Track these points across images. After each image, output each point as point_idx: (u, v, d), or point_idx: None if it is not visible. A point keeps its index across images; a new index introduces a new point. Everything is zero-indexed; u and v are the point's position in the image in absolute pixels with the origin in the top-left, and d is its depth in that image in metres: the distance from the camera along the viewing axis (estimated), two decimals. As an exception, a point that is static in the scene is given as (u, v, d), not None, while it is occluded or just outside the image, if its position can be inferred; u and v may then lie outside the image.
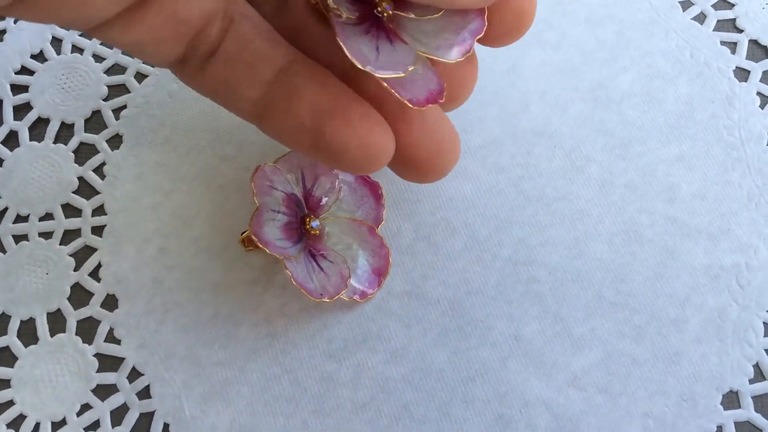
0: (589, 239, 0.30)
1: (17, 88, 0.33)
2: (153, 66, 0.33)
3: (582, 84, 0.32)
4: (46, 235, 0.31)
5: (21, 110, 0.33)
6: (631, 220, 0.30)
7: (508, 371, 0.28)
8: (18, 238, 0.31)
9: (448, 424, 0.27)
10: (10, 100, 0.33)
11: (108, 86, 0.33)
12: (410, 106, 0.21)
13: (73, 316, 0.30)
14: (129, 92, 0.33)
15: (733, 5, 0.33)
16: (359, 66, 0.21)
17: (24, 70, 0.33)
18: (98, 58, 0.33)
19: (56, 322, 0.30)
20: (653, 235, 0.29)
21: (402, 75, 0.21)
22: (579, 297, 0.29)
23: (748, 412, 0.27)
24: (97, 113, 0.33)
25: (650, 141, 0.31)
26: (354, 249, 0.28)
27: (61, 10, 0.19)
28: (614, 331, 0.28)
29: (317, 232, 0.28)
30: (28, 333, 0.30)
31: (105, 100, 0.33)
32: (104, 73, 0.33)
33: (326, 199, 0.28)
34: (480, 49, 0.32)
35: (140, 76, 0.33)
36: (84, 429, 0.28)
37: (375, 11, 0.22)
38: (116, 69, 0.33)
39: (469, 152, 0.31)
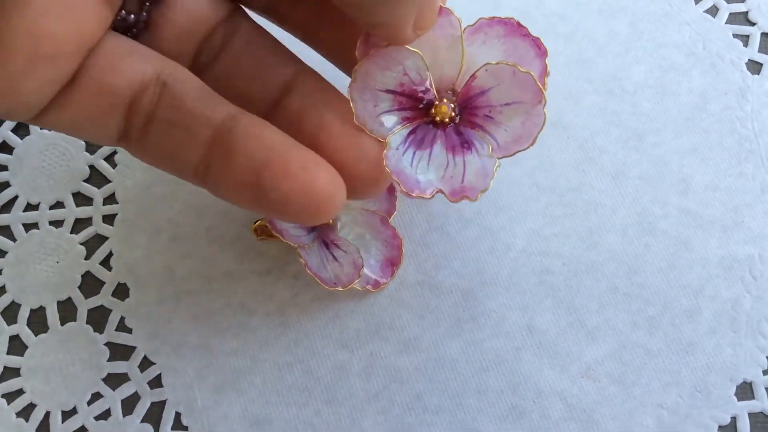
0: (602, 230, 0.30)
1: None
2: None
3: (595, 76, 0.32)
4: (57, 223, 0.31)
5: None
6: (644, 212, 0.30)
7: (521, 362, 0.28)
8: (28, 227, 0.31)
9: (462, 414, 0.27)
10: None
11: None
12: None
13: (84, 305, 0.29)
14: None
15: (745, -2, 0.33)
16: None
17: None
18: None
19: (67, 311, 0.30)
20: (667, 226, 0.29)
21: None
22: (592, 288, 0.29)
23: (762, 403, 0.27)
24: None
25: (664, 132, 0.31)
26: (367, 239, 0.28)
27: None
28: (628, 322, 0.28)
29: (330, 221, 0.28)
30: (38, 322, 0.29)
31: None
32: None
33: None
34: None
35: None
36: (95, 418, 0.28)
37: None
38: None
39: (481, 143, 0.31)
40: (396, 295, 0.29)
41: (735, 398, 0.27)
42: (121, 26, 0.22)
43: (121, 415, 0.28)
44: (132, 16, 0.22)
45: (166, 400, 0.28)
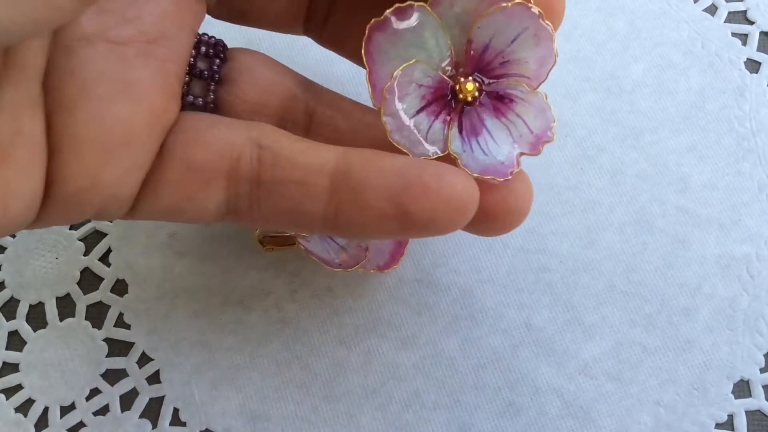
0: (600, 228, 0.30)
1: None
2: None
3: (593, 74, 0.32)
4: (56, 219, 0.31)
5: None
6: (642, 210, 0.30)
7: (519, 359, 0.28)
8: (27, 223, 0.31)
9: (459, 411, 0.27)
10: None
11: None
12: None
13: (82, 301, 0.30)
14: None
15: (744, -3, 0.33)
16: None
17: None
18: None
19: (66, 307, 0.30)
20: (664, 224, 0.30)
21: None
22: (590, 286, 0.29)
23: (758, 401, 0.27)
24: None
25: (662, 131, 0.31)
26: None
27: (85, 209, 0.19)
28: (625, 319, 0.28)
29: None
30: (37, 317, 0.30)
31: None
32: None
33: None
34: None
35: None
36: (93, 413, 0.28)
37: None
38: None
39: (480, 141, 0.31)
40: (394, 292, 0.29)
41: (732, 396, 0.27)
42: (191, 111, 0.22)
43: (119, 410, 0.28)
44: (200, 99, 0.22)
45: (165, 396, 0.28)
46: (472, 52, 0.21)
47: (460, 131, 0.21)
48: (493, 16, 0.21)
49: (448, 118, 0.21)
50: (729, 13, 0.33)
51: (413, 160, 0.20)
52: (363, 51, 0.21)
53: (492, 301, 0.29)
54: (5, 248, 0.30)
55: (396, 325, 0.29)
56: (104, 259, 0.30)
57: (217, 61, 0.23)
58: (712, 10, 0.33)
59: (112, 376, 0.29)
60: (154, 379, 0.28)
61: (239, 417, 0.27)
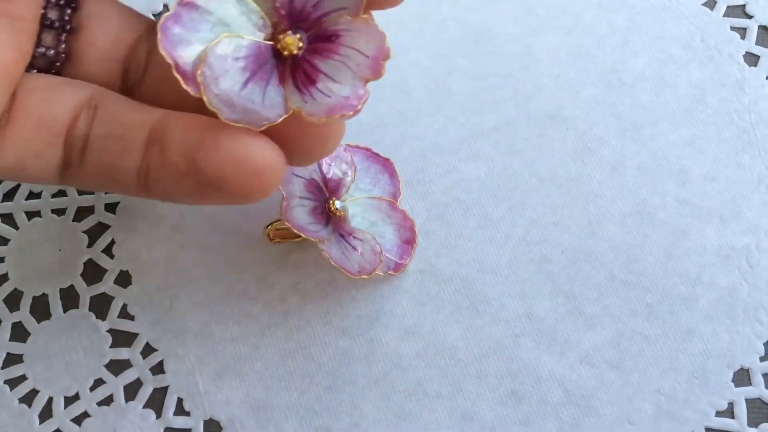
0: (601, 220, 0.30)
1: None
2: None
3: (595, 68, 0.32)
4: (59, 211, 0.31)
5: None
6: (643, 202, 0.30)
7: (520, 348, 0.28)
8: (31, 215, 0.31)
9: (462, 400, 0.27)
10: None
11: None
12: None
13: (86, 292, 0.30)
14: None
15: (742, -8, 0.34)
16: None
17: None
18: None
19: (69, 299, 0.30)
20: (665, 216, 0.30)
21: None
22: (591, 276, 0.29)
23: (758, 389, 0.28)
24: None
25: (662, 124, 0.31)
26: (380, 226, 0.29)
27: None
28: (626, 309, 0.28)
29: (342, 213, 0.28)
30: (41, 309, 0.30)
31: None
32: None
33: (344, 179, 0.29)
34: (493, 32, 0.33)
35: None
36: (97, 404, 0.28)
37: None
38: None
39: (482, 134, 0.31)
40: (396, 283, 0.29)
41: (732, 384, 0.28)
42: (43, 63, 0.22)
43: (123, 400, 0.28)
44: (51, 50, 0.22)
45: (168, 386, 0.28)
46: (280, 7, 0.21)
47: (297, 85, 0.21)
48: None
49: (282, 77, 0.21)
50: (728, 7, 0.33)
51: (218, 122, 0.20)
52: (160, 47, 0.20)
53: (494, 292, 0.29)
54: (9, 240, 0.30)
55: (399, 316, 0.29)
56: (108, 250, 0.30)
57: (69, 10, 0.23)
58: (711, 4, 0.33)
59: (116, 367, 0.29)
60: (158, 369, 0.29)
61: (243, 406, 0.28)
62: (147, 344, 0.29)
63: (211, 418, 0.28)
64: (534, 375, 0.28)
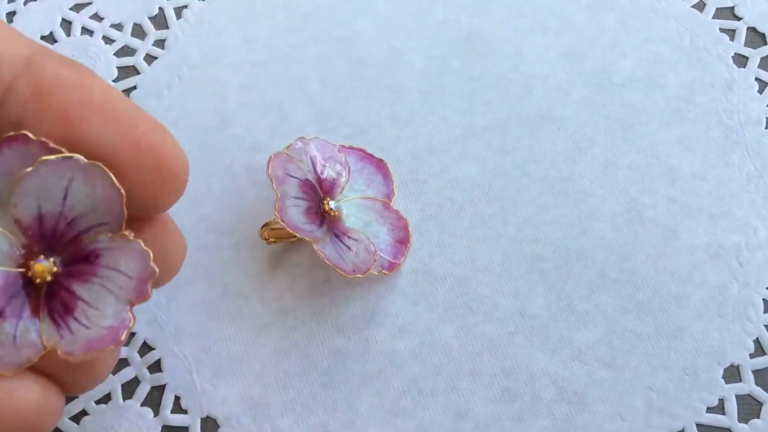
0: (592, 219, 0.30)
1: (27, 69, 0.33)
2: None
3: (584, 69, 0.33)
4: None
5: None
6: (633, 200, 0.30)
7: (513, 346, 0.28)
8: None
9: (456, 397, 0.28)
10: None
11: (118, 68, 0.33)
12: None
13: (83, 293, 0.30)
14: (138, 74, 0.33)
15: (731, -6, 0.34)
16: None
17: (34, 52, 0.34)
18: (108, 40, 0.34)
19: (66, 299, 0.30)
20: (655, 214, 0.30)
21: None
22: (583, 274, 0.29)
23: (749, 385, 0.28)
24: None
25: (652, 124, 0.32)
26: (374, 225, 0.29)
27: None
28: (618, 307, 0.29)
29: (336, 213, 0.28)
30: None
31: (115, 81, 0.33)
32: (114, 54, 0.34)
33: (338, 180, 0.29)
34: (484, 34, 0.33)
35: (149, 58, 0.34)
36: (95, 402, 0.28)
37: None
38: (126, 51, 0.34)
39: (474, 134, 0.32)
40: (391, 282, 0.29)
41: (723, 381, 0.28)
42: None
43: (121, 399, 0.28)
44: None
45: (166, 385, 0.28)
46: (27, 229, 0.19)
47: (52, 316, 0.19)
48: (25, 182, 0.18)
49: (35, 309, 0.19)
50: (717, 9, 0.34)
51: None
52: None
53: (487, 290, 0.29)
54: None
55: (393, 314, 0.29)
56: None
57: None
58: (700, 6, 0.34)
59: (114, 366, 0.29)
60: (155, 368, 0.29)
61: (240, 404, 0.28)
62: (144, 343, 0.29)
63: (208, 416, 0.28)
64: (527, 372, 0.28)
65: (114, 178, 0.18)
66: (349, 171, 0.30)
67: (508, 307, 0.29)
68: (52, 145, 0.18)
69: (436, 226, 0.30)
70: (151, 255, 0.19)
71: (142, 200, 0.19)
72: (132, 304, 0.19)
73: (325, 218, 0.28)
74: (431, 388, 0.28)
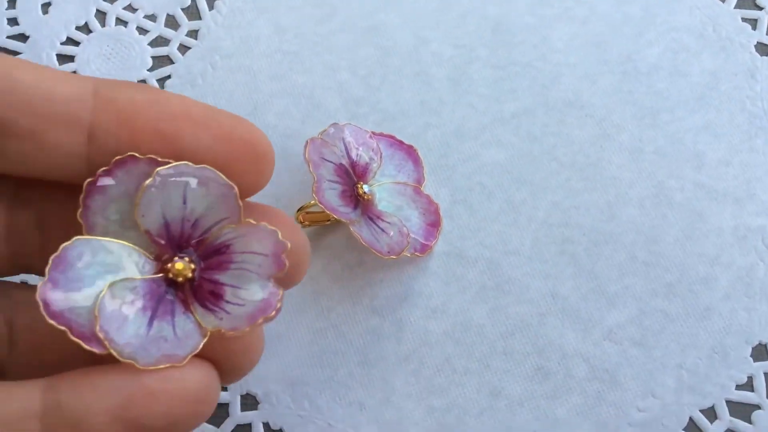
0: (620, 203, 0.31)
1: (63, 58, 0.34)
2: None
3: (610, 57, 0.33)
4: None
5: (67, 80, 0.34)
6: (660, 185, 0.31)
7: (545, 326, 0.29)
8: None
9: (489, 375, 0.28)
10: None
11: (152, 57, 0.34)
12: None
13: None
14: (173, 63, 0.34)
15: (753, -16, 0.35)
16: None
17: (69, 41, 0.34)
18: (142, 31, 0.35)
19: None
20: (682, 199, 0.31)
21: None
22: (612, 257, 0.30)
23: (777, 363, 0.29)
24: (142, 83, 0.34)
25: (677, 110, 0.32)
26: (405, 210, 0.30)
27: None
28: (647, 288, 0.29)
29: (369, 196, 0.29)
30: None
31: (150, 70, 0.34)
32: (148, 44, 0.34)
33: (370, 165, 0.30)
34: (511, 24, 0.34)
35: (183, 48, 0.34)
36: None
37: None
38: (160, 41, 0.34)
39: (502, 121, 0.32)
40: (423, 265, 0.30)
41: (751, 359, 0.28)
42: None
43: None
44: None
45: (204, 365, 0.29)
46: (158, 237, 0.20)
47: (205, 306, 0.20)
48: (147, 194, 0.19)
49: (186, 304, 0.20)
50: (739, -1, 0.35)
51: (127, 368, 0.18)
52: (47, 319, 0.18)
53: (518, 272, 0.30)
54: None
55: (426, 295, 0.30)
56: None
57: None
58: (722, -4, 0.35)
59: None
60: (193, 348, 0.29)
61: (279, 382, 0.28)
62: (181, 325, 0.30)
63: (248, 393, 0.28)
64: (559, 351, 0.29)
65: (222, 175, 0.19)
66: (381, 156, 0.30)
67: (539, 289, 0.30)
68: (160, 159, 0.19)
69: (467, 210, 0.31)
70: (279, 232, 0.19)
71: (244, 188, 0.20)
72: (275, 278, 0.19)
73: (359, 202, 0.29)
74: (465, 366, 0.28)
